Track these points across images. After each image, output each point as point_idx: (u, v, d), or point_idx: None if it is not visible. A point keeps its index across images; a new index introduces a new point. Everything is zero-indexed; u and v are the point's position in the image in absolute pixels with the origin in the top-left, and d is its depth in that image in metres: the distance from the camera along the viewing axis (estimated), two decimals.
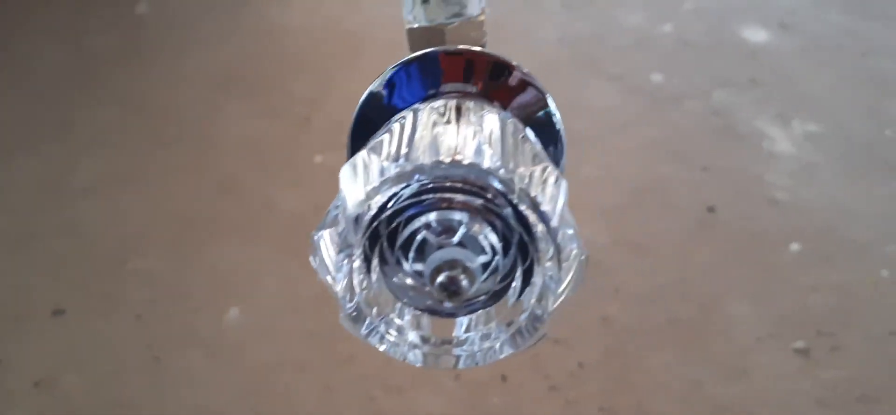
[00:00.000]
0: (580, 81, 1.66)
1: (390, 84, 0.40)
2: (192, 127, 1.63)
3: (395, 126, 0.35)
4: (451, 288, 0.32)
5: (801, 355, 1.15)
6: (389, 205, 0.32)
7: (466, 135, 0.32)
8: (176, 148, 1.59)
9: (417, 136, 0.32)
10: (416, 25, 0.44)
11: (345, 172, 0.32)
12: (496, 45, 0.44)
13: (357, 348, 1.21)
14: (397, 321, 0.35)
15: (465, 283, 0.32)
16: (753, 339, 1.18)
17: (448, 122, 0.33)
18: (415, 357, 0.35)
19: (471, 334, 0.35)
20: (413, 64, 0.40)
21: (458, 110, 0.35)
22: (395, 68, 0.40)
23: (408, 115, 0.35)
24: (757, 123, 1.55)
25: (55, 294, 1.32)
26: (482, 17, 0.44)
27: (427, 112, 0.35)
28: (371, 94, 0.40)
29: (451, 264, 0.32)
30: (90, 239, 1.42)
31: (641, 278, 1.29)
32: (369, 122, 0.40)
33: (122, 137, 1.64)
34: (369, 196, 0.32)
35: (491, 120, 0.34)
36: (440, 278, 0.32)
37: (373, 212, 0.32)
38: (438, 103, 0.36)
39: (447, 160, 0.30)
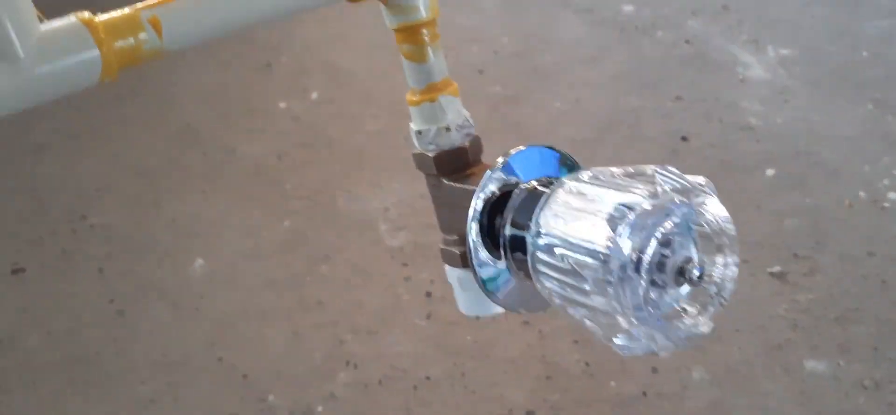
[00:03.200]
0: (549, 14, 1.61)
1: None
2: (150, 79, 1.58)
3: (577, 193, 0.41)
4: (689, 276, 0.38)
5: (776, 279, 1.13)
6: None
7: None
8: (133, 101, 1.54)
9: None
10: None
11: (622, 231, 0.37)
12: None
13: (324, 294, 1.18)
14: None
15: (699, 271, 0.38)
16: None
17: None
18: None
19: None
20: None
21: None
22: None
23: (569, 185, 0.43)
24: (730, 50, 1.51)
25: (13, 253, 1.28)
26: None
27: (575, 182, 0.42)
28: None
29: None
30: (47, 196, 1.38)
31: None
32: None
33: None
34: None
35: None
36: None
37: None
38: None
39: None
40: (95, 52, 0.40)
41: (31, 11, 0.40)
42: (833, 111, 1.38)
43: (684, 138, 1.35)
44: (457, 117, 0.55)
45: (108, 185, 1.39)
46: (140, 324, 1.16)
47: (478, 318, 1.12)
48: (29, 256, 1.27)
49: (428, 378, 1.05)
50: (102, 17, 0.41)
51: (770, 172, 1.28)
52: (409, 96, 0.56)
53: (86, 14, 0.40)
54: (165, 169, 1.39)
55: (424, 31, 0.53)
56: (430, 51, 0.54)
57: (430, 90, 0.54)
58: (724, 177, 1.28)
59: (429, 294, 1.16)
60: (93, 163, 1.43)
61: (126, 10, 0.41)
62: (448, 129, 0.54)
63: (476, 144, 0.55)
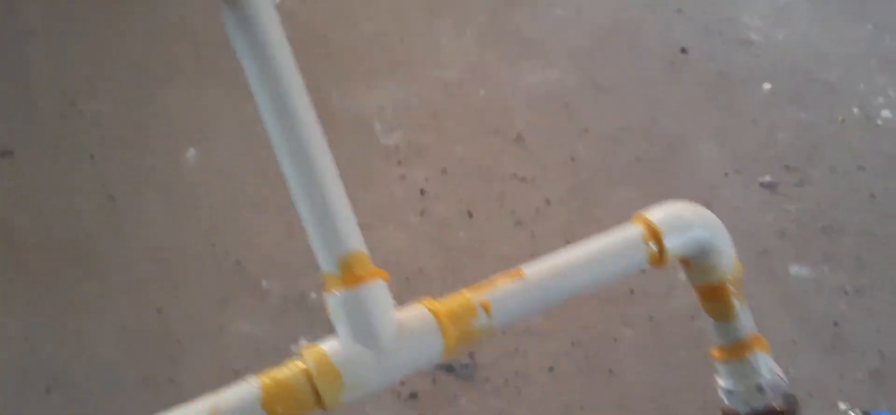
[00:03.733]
0: None
1: None
2: None
3: None
4: None
5: (767, 189, 1.14)
6: None
7: None
8: None
9: None
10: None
11: None
12: None
13: None
14: None
15: None
16: (720, 175, 1.17)
17: None
18: None
19: None
20: None
21: None
22: None
23: None
24: None
25: (1, 136, 1.26)
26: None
27: None
28: None
29: None
30: (36, 81, 1.35)
31: (610, 119, 1.26)
32: None
33: None
34: None
35: None
36: None
37: None
38: None
39: None
40: (440, 337, 0.44)
41: (391, 303, 0.44)
42: (833, 30, 1.37)
43: (684, 50, 1.34)
44: (769, 375, 0.53)
45: (100, 72, 1.36)
46: (133, 210, 1.16)
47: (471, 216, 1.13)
48: (17, 139, 1.26)
49: (421, 270, 1.06)
50: (443, 303, 0.46)
51: (767, 86, 1.28)
52: (716, 353, 0.54)
53: (430, 301, 0.45)
54: (158, 60, 1.37)
55: (730, 287, 0.52)
56: (736, 308, 0.52)
57: (739, 348, 0.53)
58: (722, 89, 1.28)
59: (423, 192, 1.16)
60: (83, 50, 1.40)
61: (462, 296, 0.46)
62: (761, 388, 0.52)
63: (792, 403, 0.53)
